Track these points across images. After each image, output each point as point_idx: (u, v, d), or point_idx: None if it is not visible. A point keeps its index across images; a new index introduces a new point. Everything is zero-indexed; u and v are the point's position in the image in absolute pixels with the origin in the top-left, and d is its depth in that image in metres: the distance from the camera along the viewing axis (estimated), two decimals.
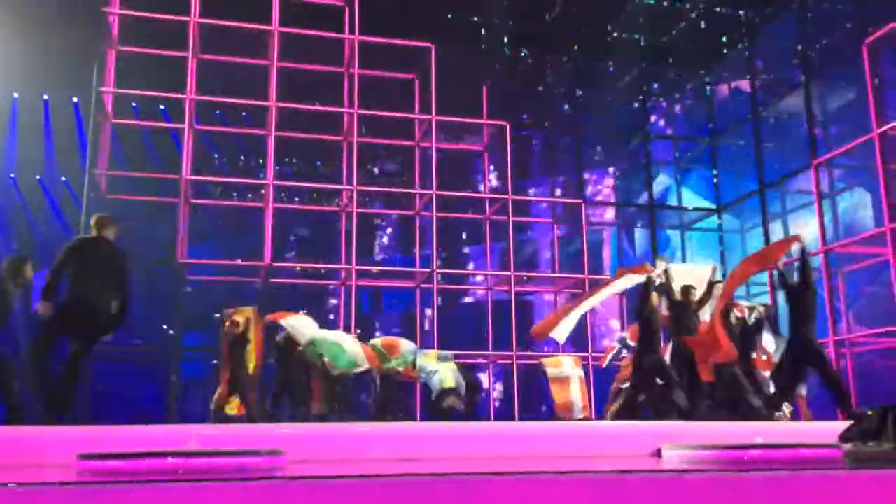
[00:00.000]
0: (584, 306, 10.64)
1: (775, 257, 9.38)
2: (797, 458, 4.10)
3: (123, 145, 17.50)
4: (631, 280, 9.95)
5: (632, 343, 10.64)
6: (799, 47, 17.00)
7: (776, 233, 17.75)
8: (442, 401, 10.97)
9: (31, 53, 15.85)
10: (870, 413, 5.13)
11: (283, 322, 10.86)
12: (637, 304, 9.49)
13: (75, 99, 17.99)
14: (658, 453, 4.55)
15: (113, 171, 15.78)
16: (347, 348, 10.46)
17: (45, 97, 18.22)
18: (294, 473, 3.24)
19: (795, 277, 8.83)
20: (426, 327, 18.76)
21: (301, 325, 10.66)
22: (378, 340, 11.76)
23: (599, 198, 21.31)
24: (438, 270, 17.46)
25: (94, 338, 6.86)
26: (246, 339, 10.73)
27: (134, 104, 17.06)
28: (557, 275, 18.51)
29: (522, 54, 19.47)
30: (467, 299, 22.42)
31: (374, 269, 20.28)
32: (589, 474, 3.23)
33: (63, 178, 18.90)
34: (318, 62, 17.48)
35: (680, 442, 4.56)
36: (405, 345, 11.58)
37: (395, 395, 12.20)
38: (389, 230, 24.19)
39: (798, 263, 9.13)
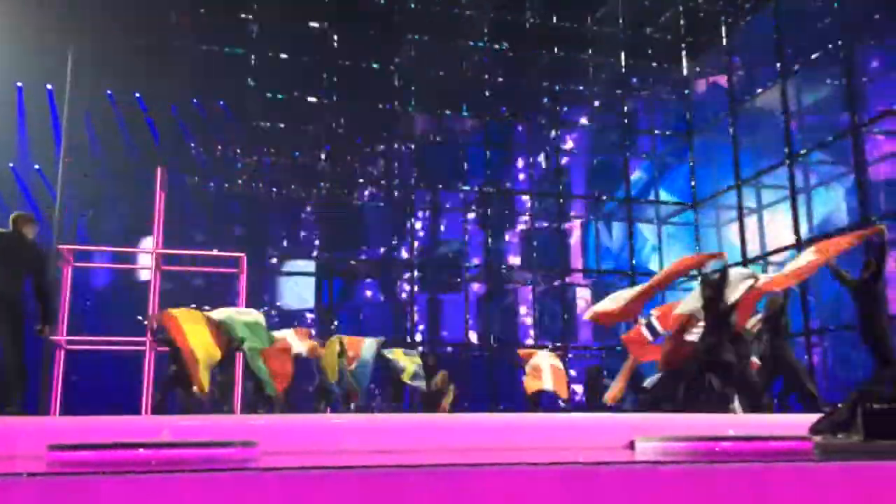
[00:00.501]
0: (652, 288, 10.23)
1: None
2: (768, 449, 4.14)
3: (98, 133, 17.28)
4: (703, 264, 9.78)
5: (659, 326, 10.45)
6: (776, 43, 17.12)
7: (751, 228, 17.91)
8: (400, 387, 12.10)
9: (3, 40, 15.59)
10: (840, 406, 5.21)
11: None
12: (709, 292, 8.76)
13: (49, 86, 17.73)
14: (631, 445, 4.58)
15: (86, 159, 15.59)
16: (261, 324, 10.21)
17: (19, 84, 17.93)
18: (267, 465, 3.23)
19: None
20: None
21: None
22: (345, 337, 12.10)
23: (576, 191, 21.37)
24: (418, 261, 17.45)
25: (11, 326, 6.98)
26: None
27: (109, 92, 16.84)
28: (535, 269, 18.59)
29: (502, 48, 19.46)
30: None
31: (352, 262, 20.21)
32: (562, 466, 3.24)
33: (37, 167, 18.63)
34: (298, 51, 17.38)
35: (653, 434, 4.59)
36: (367, 344, 11.89)
37: (401, 395, 12.70)
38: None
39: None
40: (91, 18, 15.55)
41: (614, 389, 10.95)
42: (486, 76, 19.10)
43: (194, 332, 9.76)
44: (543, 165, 21.07)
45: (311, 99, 17.16)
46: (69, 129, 14.91)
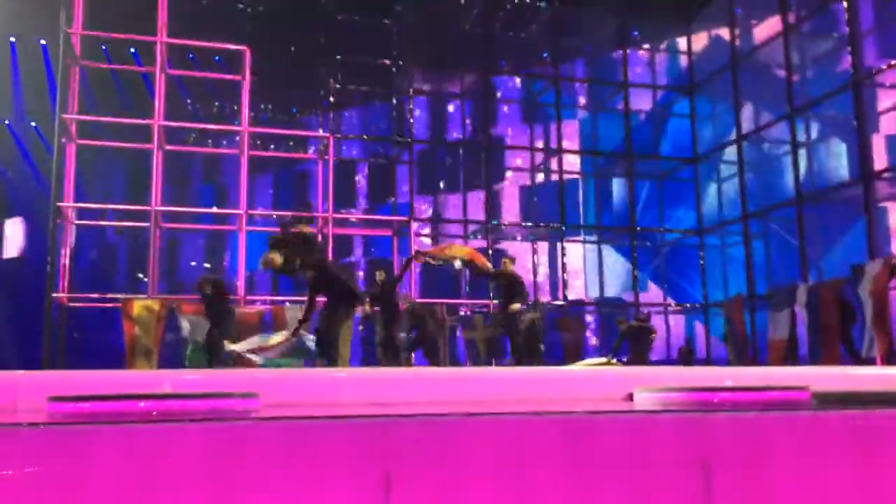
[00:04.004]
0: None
1: None
2: (766, 399, 4.17)
3: (93, 89, 17.11)
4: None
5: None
6: None
7: (754, 181, 17.82)
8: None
9: None
10: None
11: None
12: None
13: (43, 41, 17.50)
14: (630, 397, 4.61)
15: (83, 116, 15.45)
16: None
17: (12, 39, 17.70)
18: (269, 415, 3.24)
19: None
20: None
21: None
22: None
23: (574, 146, 21.21)
24: (417, 219, 17.42)
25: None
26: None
27: (104, 47, 16.63)
28: (531, 224, 18.55)
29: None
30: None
31: (352, 217, 20.19)
32: (560, 415, 3.26)
33: (33, 123, 18.50)
34: (294, 5, 17.10)
35: (652, 385, 4.61)
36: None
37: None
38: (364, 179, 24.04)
39: None
40: None
41: None
42: (485, 30, 18.84)
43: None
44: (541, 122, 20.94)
45: (308, 54, 16.94)
46: (63, 86, 14.74)
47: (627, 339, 12.95)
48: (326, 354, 7.39)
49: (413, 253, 12.21)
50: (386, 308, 10.46)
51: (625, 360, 12.92)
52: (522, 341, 10.78)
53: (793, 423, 3.38)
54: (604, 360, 12.18)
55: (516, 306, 10.30)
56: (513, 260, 10.90)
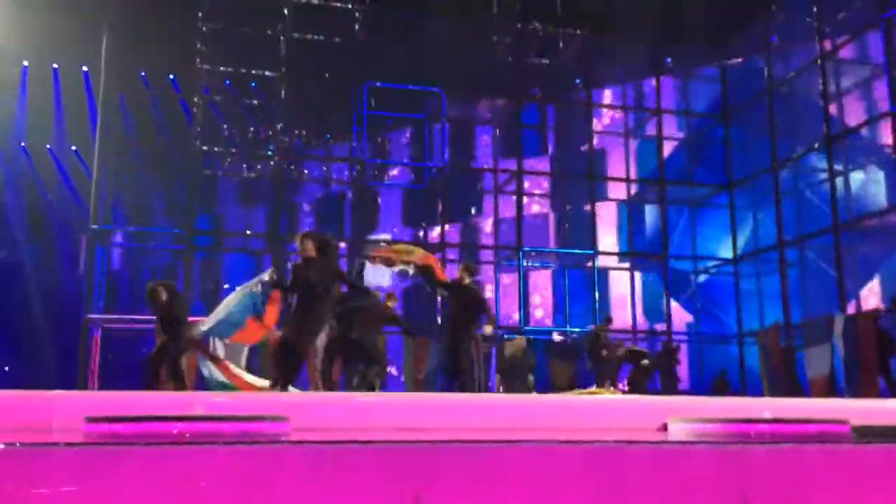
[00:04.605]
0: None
1: None
2: (804, 432, 4.08)
3: (132, 111, 17.47)
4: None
5: None
6: (815, 24, 16.72)
7: (790, 208, 17.56)
8: None
9: (40, 23, 15.79)
10: None
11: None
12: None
13: (85, 68, 17.94)
14: (665, 427, 4.54)
15: (121, 141, 15.79)
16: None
17: (55, 66, 18.17)
18: (299, 438, 3.25)
19: None
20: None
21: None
22: None
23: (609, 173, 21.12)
24: (448, 244, 17.44)
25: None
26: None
27: (143, 73, 17.01)
28: (562, 250, 18.48)
29: (534, 27, 19.23)
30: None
31: (382, 242, 20.25)
32: (594, 444, 3.22)
33: (73, 147, 18.92)
34: (328, 32, 17.35)
35: (687, 416, 4.54)
36: None
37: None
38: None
39: None
40: (126, 1, 15.68)
41: None
42: (518, 57, 18.93)
43: None
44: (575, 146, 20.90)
45: (341, 80, 17.14)
46: (104, 111, 15.09)
47: (627, 366, 12.58)
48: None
49: (369, 254, 10.23)
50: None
51: (624, 389, 12.47)
52: (469, 379, 8.23)
53: (832, 456, 3.30)
54: (601, 389, 11.18)
55: (488, 328, 8.71)
56: (472, 271, 8.94)
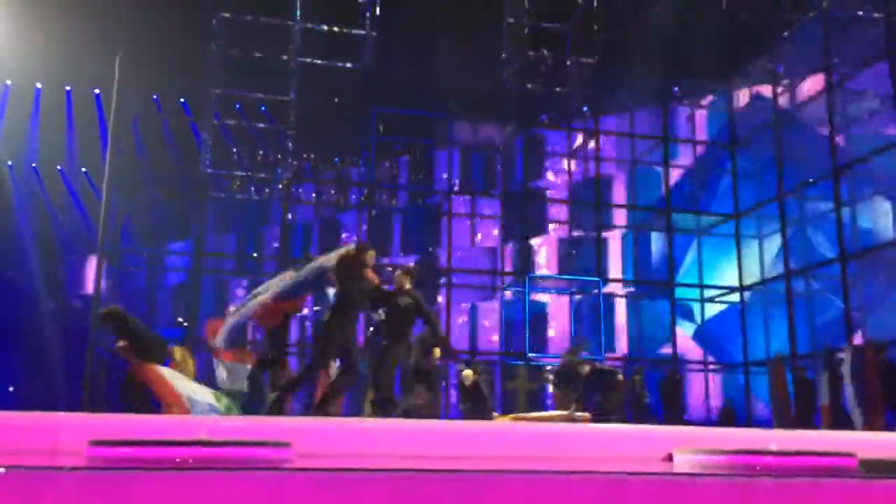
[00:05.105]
0: None
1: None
2: (812, 465, 4.04)
3: (143, 134, 17.63)
4: None
5: None
6: (823, 54, 16.80)
7: (797, 238, 17.55)
8: None
9: (53, 46, 16.00)
10: None
11: None
12: None
13: (97, 91, 18.14)
14: (670, 457, 4.51)
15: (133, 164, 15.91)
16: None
17: (68, 88, 18.38)
18: (301, 465, 3.24)
19: None
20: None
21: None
22: None
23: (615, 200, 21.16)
24: (454, 269, 17.45)
25: None
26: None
27: (155, 97, 17.18)
28: (570, 276, 18.45)
29: (542, 55, 19.39)
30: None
31: (388, 267, 20.29)
32: (598, 475, 3.20)
33: (84, 169, 19.07)
34: (338, 58, 17.53)
35: (692, 446, 4.51)
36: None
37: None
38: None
39: None
40: (137, 24, 15.88)
41: None
42: (525, 84, 19.06)
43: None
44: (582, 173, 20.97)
45: (350, 105, 17.29)
46: (115, 133, 15.23)
47: (589, 386, 11.24)
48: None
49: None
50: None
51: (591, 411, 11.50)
52: (390, 404, 7.27)
53: (840, 490, 3.27)
54: (565, 413, 10.59)
55: (437, 352, 8.14)
56: (411, 274, 7.77)
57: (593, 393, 11.13)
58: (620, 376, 12.19)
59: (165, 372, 8.03)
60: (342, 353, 7.01)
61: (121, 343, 8.05)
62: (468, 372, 11.43)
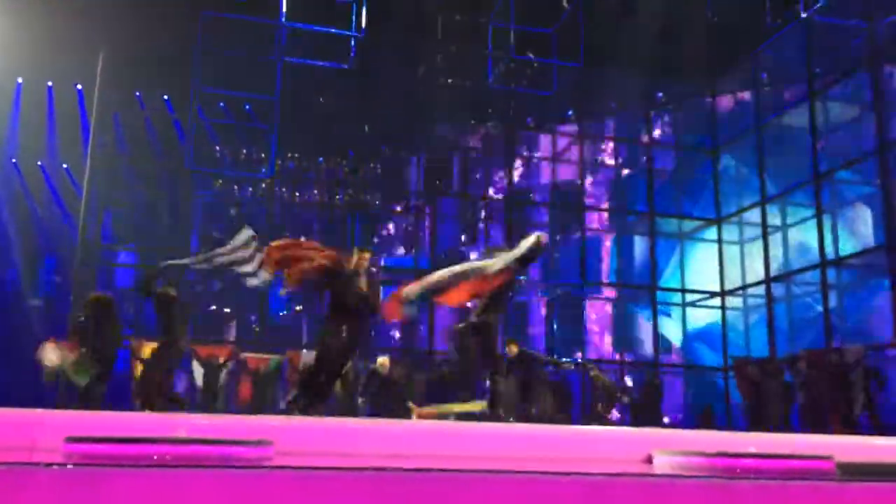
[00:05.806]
0: None
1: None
2: (790, 468, 4.07)
3: (125, 130, 17.49)
4: None
5: None
6: (805, 61, 16.96)
7: (776, 244, 17.73)
8: None
9: (35, 41, 15.83)
10: None
11: None
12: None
13: (79, 87, 17.97)
14: (649, 459, 4.52)
15: (113, 161, 15.78)
16: None
17: (49, 84, 18.19)
18: (282, 463, 3.22)
19: None
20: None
21: None
22: None
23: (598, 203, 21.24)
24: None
25: None
26: None
27: (137, 94, 17.05)
28: (553, 281, 18.49)
29: (527, 58, 19.44)
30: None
31: (373, 268, 20.23)
32: (580, 476, 3.20)
33: (65, 165, 18.88)
34: (323, 58, 17.49)
35: (672, 448, 4.53)
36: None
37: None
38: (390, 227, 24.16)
39: None
40: (121, 21, 15.76)
41: None
42: (511, 87, 19.09)
43: None
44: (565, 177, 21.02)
45: (336, 105, 17.26)
46: (97, 130, 15.10)
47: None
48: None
49: None
50: None
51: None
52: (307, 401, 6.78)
53: (817, 492, 3.30)
54: (476, 405, 9.73)
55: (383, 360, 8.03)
56: (367, 254, 6.95)
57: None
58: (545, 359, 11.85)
59: None
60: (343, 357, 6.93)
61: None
62: (384, 359, 11.16)
